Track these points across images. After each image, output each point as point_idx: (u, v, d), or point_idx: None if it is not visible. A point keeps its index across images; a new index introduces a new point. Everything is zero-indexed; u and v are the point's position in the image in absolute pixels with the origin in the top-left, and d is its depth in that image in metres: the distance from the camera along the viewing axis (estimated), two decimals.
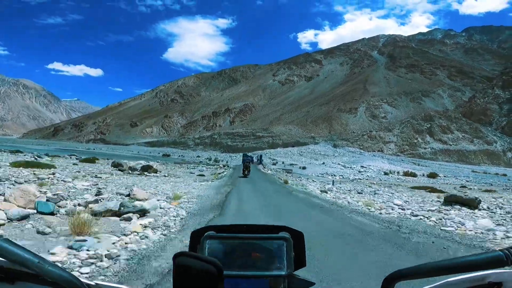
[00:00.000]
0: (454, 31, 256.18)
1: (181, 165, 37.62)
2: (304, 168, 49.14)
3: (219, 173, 24.01)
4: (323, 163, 57.84)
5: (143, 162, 23.63)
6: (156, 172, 20.69)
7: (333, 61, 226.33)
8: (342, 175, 41.20)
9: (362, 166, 51.69)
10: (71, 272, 0.43)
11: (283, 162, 59.35)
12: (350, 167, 51.21)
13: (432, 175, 44.23)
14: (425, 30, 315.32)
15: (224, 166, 35.71)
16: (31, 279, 0.49)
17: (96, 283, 0.51)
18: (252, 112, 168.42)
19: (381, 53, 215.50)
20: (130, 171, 20.16)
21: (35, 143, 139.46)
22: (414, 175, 43.80)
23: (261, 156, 53.46)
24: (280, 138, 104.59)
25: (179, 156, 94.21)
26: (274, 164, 54.80)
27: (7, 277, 0.48)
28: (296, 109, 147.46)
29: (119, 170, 20.45)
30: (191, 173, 24.61)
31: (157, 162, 30.79)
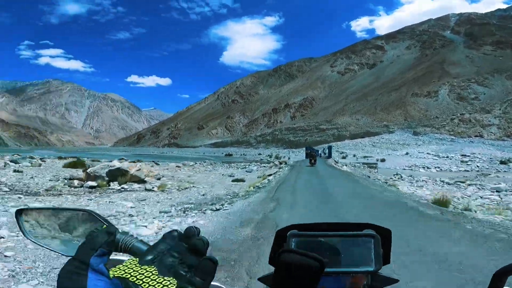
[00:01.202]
0: None
1: (230, 164, 32.45)
2: (383, 160, 39.91)
3: (268, 175, 15.56)
4: (407, 153, 47.10)
5: (116, 164, 13.71)
6: (143, 182, 12.52)
7: (396, 45, 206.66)
8: (438, 167, 31.26)
9: (463, 155, 39.80)
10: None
11: (354, 155, 50.57)
12: (447, 157, 39.85)
13: None
14: (502, 6, 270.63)
15: (281, 163, 27.67)
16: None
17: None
18: (312, 105, 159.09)
19: (455, 32, 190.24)
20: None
21: (120, 150, 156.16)
22: None
23: (330, 147, 43.43)
24: (347, 130, 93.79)
25: (241, 154, 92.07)
26: (343, 157, 46.61)
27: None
28: (361, 98, 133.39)
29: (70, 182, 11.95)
30: (230, 176, 17.99)
31: (196, 162, 26.72)
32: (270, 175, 15.38)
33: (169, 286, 0.33)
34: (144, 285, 0.33)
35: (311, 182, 11.52)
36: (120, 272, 0.34)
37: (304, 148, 52.34)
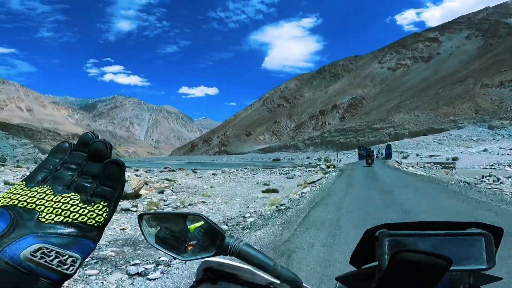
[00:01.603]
0: None
1: (272, 170, 30.30)
2: (455, 159, 34.43)
3: (309, 183, 12.07)
4: (485, 149, 40.21)
5: None
6: (137, 197, 9.33)
7: (454, 36, 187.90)
8: None
9: None
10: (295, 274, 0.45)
11: (417, 154, 45.10)
12: None
13: None
14: None
15: (328, 167, 23.86)
16: (230, 279, 0.51)
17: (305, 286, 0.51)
18: (363, 104, 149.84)
19: None
20: None
21: (175, 159, 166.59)
22: None
23: (389, 146, 37.20)
24: (405, 127, 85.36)
25: (289, 159, 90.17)
26: (404, 157, 41.65)
27: (214, 278, 0.51)
28: (419, 93, 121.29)
29: None
30: (266, 184, 15.44)
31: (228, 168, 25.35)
32: (312, 182, 12.46)
33: (70, 203, 0.27)
34: (39, 208, 0.26)
35: (370, 199, 6.80)
36: (5, 200, 0.27)
37: (356, 150, 48.24)
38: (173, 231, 0.44)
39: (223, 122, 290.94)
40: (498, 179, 13.05)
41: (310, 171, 26.47)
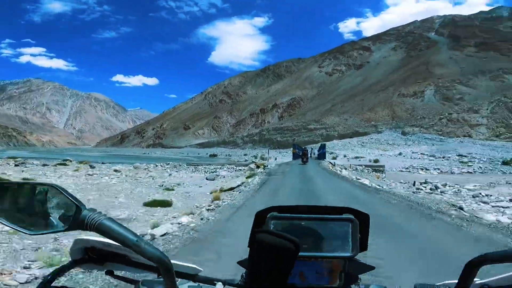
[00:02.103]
0: None
1: (197, 167, 26.98)
2: (376, 161, 36.68)
3: (227, 189, 10.17)
4: (400, 153, 44.18)
5: None
6: None
7: (383, 46, 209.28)
8: (438, 168, 28.22)
9: (460, 155, 37.09)
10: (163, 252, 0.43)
11: (344, 155, 47.30)
12: (443, 157, 37.01)
13: None
14: (485, 8, 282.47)
15: (258, 166, 20.56)
16: (118, 260, 0.50)
17: (173, 263, 0.51)
18: (300, 105, 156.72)
19: (439, 34, 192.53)
20: None
21: (100, 150, 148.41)
22: None
23: (323, 146, 35.39)
24: (335, 130, 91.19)
25: (226, 155, 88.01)
26: (334, 158, 43.27)
27: (98, 258, 0.49)
28: (349, 98, 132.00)
29: None
30: (170, 189, 12.06)
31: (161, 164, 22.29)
32: (230, 189, 10.11)
33: None
34: None
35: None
36: None
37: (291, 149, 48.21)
38: (21, 203, 0.41)
39: (161, 114, 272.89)
40: (436, 187, 12.32)
41: (240, 170, 24.34)
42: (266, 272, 0.42)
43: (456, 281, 0.47)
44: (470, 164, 30.68)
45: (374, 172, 19.86)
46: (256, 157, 65.01)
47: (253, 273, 0.45)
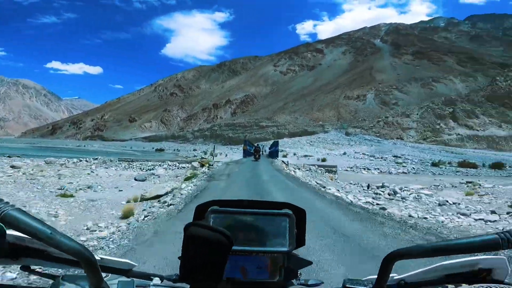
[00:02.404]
0: (457, 19, 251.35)
1: (131, 163, 23.58)
2: (324, 160, 37.48)
3: (124, 215, 6.61)
4: (344, 153, 46.10)
5: None
6: None
7: (335, 50, 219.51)
8: (378, 168, 29.72)
9: (395, 156, 39.97)
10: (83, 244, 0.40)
11: (294, 154, 47.74)
12: (382, 157, 39.46)
13: (497, 166, 32.44)
14: (425, 18, 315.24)
15: (202, 165, 17.68)
16: (35, 255, 0.46)
17: (101, 257, 0.49)
18: (254, 102, 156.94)
19: (384, 41, 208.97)
20: None
21: (24, 141, 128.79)
22: (473, 166, 32.05)
23: (276, 144, 32.35)
24: (286, 128, 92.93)
25: (174, 150, 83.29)
26: (284, 156, 43.31)
27: (11, 253, 0.45)
28: (300, 98, 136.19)
29: None
30: (64, 196, 9.11)
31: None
32: (150, 198, 8.12)
33: None
34: None
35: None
36: None
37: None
38: None
39: (102, 105, 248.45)
40: (395, 192, 11.55)
41: (184, 167, 21.96)
42: (200, 266, 0.42)
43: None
44: (404, 164, 33.00)
45: (327, 173, 19.26)
46: (205, 153, 62.40)
47: (186, 267, 0.44)
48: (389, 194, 11.02)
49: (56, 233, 0.38)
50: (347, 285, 0.53)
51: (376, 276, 0.51)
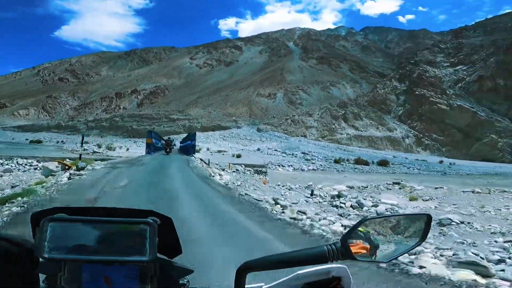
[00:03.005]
0: (355, 30, 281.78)
1: None
2: (239, 156, 34.68)
3: None
4: (258, 149, 44.72)
5: None
6: None
7: (252, 48, 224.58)
8: (291, 165, 28.80)
9: (304, 153, 40.75)
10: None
11: (208, 149, 43.57)
12: (292, 154, 39.54)
13: (383, 163, 36.40)
14: (332, 26, 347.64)
15: (68, 167, 11.18)
16: None
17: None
18: (165, 94, 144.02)
19: (296, 44, 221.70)
20: None
21: None
22: (366, 163, 35.01)
23: (193, 136, 26.25)
24: (199, 121, 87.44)
25: (58, 142, 66.96)
26: (197, 151, 38.59)
27: None
28: (214, 92, 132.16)
29: None
30: None
31: None
32: None
33: None
34: None
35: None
36: None
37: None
38: None
39: None
40: (360, 204, 8.29)
41: (36, 169, 14.74)
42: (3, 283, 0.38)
43: None
44: (313, 161, 33.32)
45: (257, 175, 15.70)
46: (100, 146, 51.63)
47: None
48: (353, 207, 8.04)
49: None
50: None
51: None
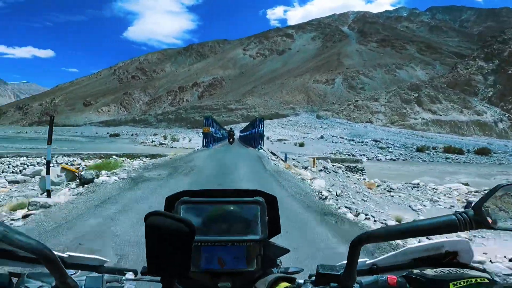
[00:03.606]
0: (418, 10, 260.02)
1: None
2: (301, 145, 32.06)
3: None
4: (322, 136, 41.31)
5: None
6: None
7: (304, 35, 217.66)
8: (364, 155, 25.07)
9: (375, 140, 35.92)
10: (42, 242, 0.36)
11: (268, 137, 41.93)
12: (362, 142, 35.14)
13: (483, 151, 29.53)
14: (390, 8, 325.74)
15: (84, 181, 6.22)
16: (3, 255, 0.45)
17: (69, 255, 0.46)
18: (222, 85, 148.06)
19: (351, 28, 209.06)
20: None
21: None
22: (460, 151, 28.81)
23: (259, 122, 20.64)
24: (256, 110, 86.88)
25: (132, 135, 73.51)
26: None
27: None
28: (269, 81, 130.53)
29: None
30: None
31: None
32: None
33: None
34: None
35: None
36: None
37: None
38: None
39: (53, 88, 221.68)
40: None
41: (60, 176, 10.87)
42: (164, 257, 0.39)
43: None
44: (390, 150, 28.75)
45: (351, 173, 11.82)
46: (166, 138, 54.65)
47: (151, 258, 0.40)
48: None
49: (10, 231, 0.36)
50: (320, 271, 0.50)
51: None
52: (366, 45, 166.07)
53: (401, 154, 26.62)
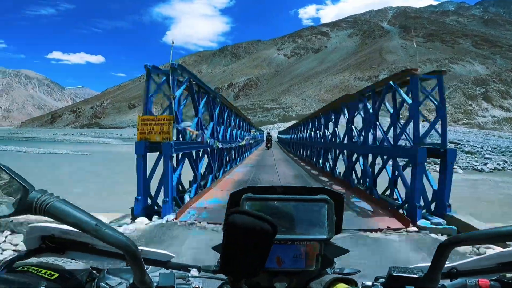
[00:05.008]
0: (467, 4, 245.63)
1: None
2: None
3: None
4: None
5: None
6: None
7: (340, 33, 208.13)
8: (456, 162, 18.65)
9: (452, 142, 28.44)
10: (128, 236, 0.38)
11: None
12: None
13: None
14: (434, 3, 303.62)
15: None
16: (80, 248, 0.45)
17: (141, 249, 0.46)
18: (257, 85, 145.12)
19: (391, 24, 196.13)
20: None
21: (12, 131, 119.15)
22: None
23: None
24: (294, 109, 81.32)
25: None
26: None
27: (58, 247, 0.44)
28: (306, 79, 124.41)
29: None
30: None
31: None
32: None
33: None
34: None
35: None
36: None
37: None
38: None
39: (102, 92, 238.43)
40: None
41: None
42: (242, 256, 0.38)
43: (428, 264, 0.45)
44: (487, 156, 21.55)
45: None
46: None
47: (227, 257, 0.39)
48: None
49: (102, 225, 0.36)
50: (393, 273, 0.47)
51: (424, 264, 0.46)
52: (411, 40, 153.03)
53: (498, 164, 19.45)
